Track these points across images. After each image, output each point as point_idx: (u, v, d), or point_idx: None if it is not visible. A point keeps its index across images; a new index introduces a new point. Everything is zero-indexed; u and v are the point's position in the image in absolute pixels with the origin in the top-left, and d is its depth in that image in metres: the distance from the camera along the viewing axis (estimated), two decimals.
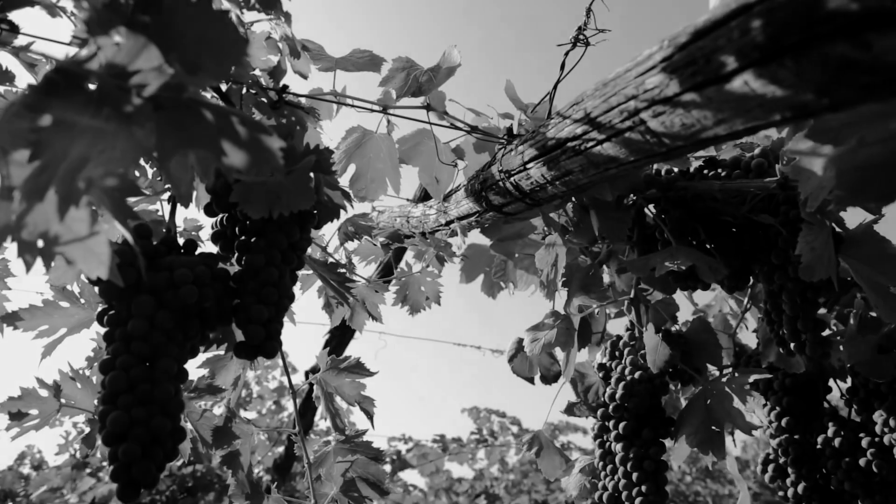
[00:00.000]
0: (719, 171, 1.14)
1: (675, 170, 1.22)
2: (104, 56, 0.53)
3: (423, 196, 1.99)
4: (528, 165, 0.99)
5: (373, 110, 1.26)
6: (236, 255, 0.91)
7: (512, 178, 1.06)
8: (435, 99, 1.36)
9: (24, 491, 5.20)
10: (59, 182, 0.49)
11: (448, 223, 1.48)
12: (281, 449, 3.50)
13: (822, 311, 1.28)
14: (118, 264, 0.77)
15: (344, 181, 1.37)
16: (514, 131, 1.19)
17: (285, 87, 0.98)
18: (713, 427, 1.16)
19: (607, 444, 1.29)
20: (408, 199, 1.88)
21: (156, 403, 0.74)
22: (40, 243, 0.56)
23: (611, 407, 1.26)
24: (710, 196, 1.13)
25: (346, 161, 1.38)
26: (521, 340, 1.53)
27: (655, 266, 1.05)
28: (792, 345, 1.13)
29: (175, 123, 0.51)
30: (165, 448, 0.74)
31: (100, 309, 0.83)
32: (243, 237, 0.91)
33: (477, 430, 6.35)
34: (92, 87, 0.53)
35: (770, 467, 1.44)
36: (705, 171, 1.16)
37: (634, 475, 1.20)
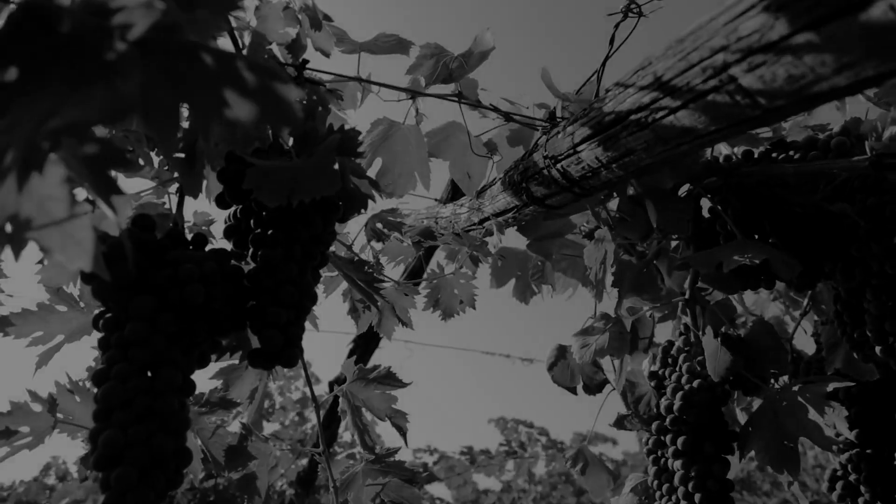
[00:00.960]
0: (791, 153, 1.01)
1: (735, 155, 1.10)
2: None
3: (452, 196, 1.88)
4: (580, 147, 0.87)
5: (401, 93, 1.16)
6: (251, 250, 0.80)
7: (559, 164, 0.94)
8: (467, 86, 1.27)
9: (47, 503, 5.20)
10: (17, 142, 0.38)
11: (482, 221, 1.37)
12: (305, 461, 3.40)
13: None
14: (111, 258, 0.66)
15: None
16: (558, 115, 1.08)
17: (305, 61, 0.87)
18: (786, 442, 1.03)
19: (663, 460, 1.17)
20: (436, 200, 1.77)
21: (156, 419, 0.63)
22: (8, 227, 0.46)
23: (667, 419, 1.13)
24: (780, 182, 1.00)
25: (371, 155, 1.29)
26: (561, 347, 1.41)
27: (722, 261, 0.93)
28: (877, 348, 1.01)
29: (167, 71, 0.41)
30: (167, 472, 0.62)
31: (96, 312, 0.72)
32: (259, 230, 0.80)
33: (506, 441, 6.20)
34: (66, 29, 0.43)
35: (838, 485, 1.31)
36: (774, 155, 1.03)
37: (697, 496, 1.07)
